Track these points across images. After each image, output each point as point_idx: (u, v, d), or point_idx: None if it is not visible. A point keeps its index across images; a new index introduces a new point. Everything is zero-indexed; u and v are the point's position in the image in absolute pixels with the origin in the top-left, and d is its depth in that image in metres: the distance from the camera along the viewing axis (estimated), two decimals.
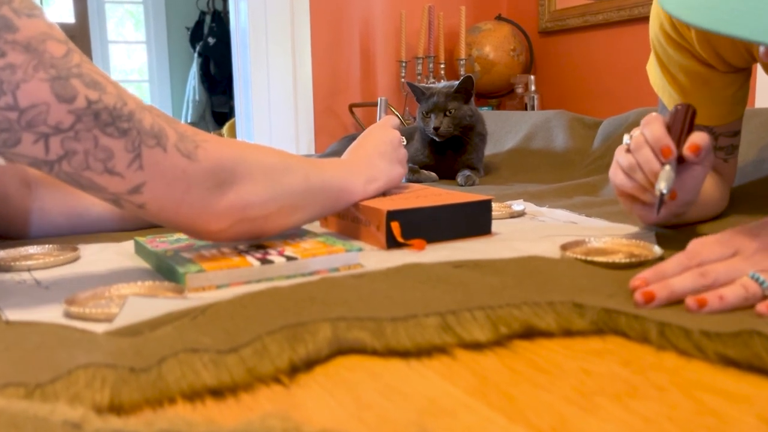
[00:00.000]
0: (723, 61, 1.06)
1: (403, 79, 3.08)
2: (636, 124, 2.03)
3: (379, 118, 1.26)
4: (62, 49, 0.68)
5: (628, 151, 0.90)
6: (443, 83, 2.10)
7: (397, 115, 2.81)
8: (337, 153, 2.06)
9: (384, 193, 1.09)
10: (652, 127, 0.88)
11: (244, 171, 0.81)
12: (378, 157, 1.10)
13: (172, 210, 0.76)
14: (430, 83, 2.75)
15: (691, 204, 0.93)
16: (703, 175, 0.91)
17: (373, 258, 0.90)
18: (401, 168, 1.13)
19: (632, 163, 0.89)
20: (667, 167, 0.84)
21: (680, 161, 0.88)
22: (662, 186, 0.83)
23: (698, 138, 0.87)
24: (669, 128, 0.88)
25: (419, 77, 3.11)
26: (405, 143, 1.19)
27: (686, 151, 0.87)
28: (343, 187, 0.99)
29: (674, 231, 1.02)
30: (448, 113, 1.96)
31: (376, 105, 3.11)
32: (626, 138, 0.92)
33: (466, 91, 1.98)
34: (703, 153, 0.87)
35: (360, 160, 1.08)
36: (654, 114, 0.91)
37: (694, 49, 1.06)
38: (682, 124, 0.89)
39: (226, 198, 0.79)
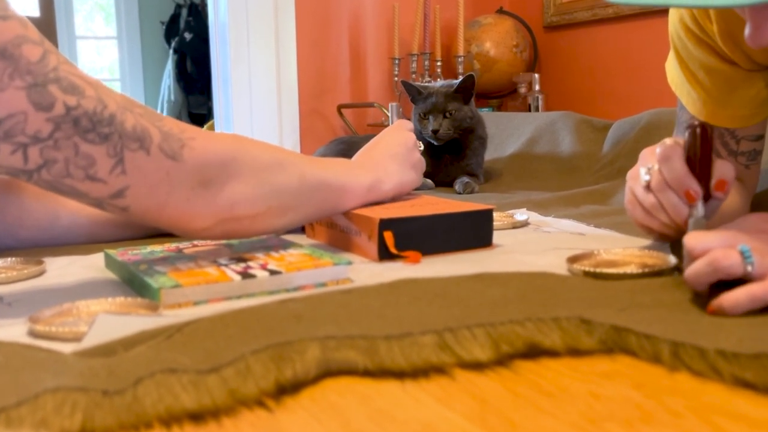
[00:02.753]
0: (747, 58, 1.06)
1: (396, 78, 3.09)
2: (649, 126, 2.04)
3: (392, 123, 1.27)
4: (38, 52, 0.70)
5: (648, 187, 0.90)
6: (441, 82, 2.11)
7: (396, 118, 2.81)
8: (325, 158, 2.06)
9: (377, 201, 1.09)
10: (673, 166, 0.86)
11: (232, 169, 0.83)
12: (389, 160, 1.11)
13: (156, 211, 0.79)
14: (426, 82, 2.76)
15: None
16: (723, 201, 0.91)
17: (364, 272, 0.91)
18: (414, 173, 1.14)
19: (655, 203, 0.89)
20: (699, 215, 0.84)
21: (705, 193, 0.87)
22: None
23: (724, 172, 0.87)
24: (688, 157, 0.87)
25: (414, 76, 3.11)
26: (421, 148, 1.20)
27: (715, 191, 0.86)
28: (345, 188, 1.00)
29: None
30: (447, 115, 1.97)
31: (366, 106, 3.11)
32: (644, 173, 0.90)
33: (466, 90, 1.99)
34: (730, 186, 0.87)
35: (368, 161, 1.09)
36: (670, 143, 0.88)
37: (716, 45, 1.06)
38: (701, 150, 0.86)
39: (211, 196, 0.82)
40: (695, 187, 0.85)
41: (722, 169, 0.87)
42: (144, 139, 0.76)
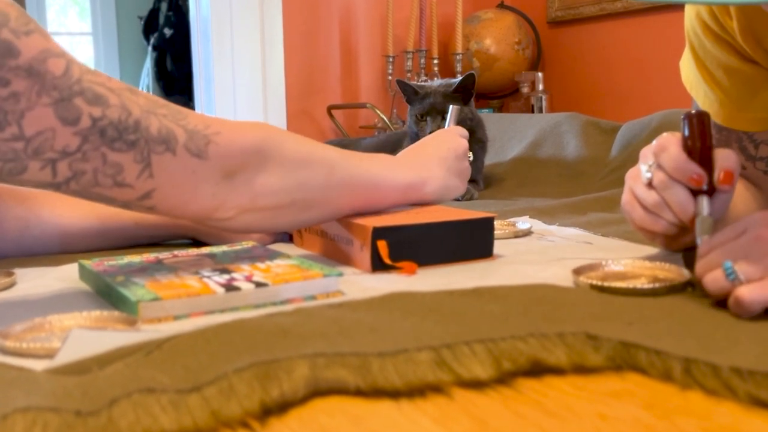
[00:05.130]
0: None
1: (390, 77, 3.09)
2: (660, 128, 2.04)
3: (448, 127, 1.29)
4: (62, 65, 0.74)
5: (650, 185, 0.90)
6: (439, 81, 2.11)
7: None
8: None
9: (416, 202, 1.10)
10: (670, 154, 0.87)
11: (257, 160, 0.88)
12: (435, 163, 1.13)
13: (182, 208, 0.85)
14: (422, 81, 2.76)
15: (719, 223, 0.94)
16: (731, 195, 0.91)
17: (356, 284, 0.91)
18: (458, 181, 1.17)
19: (657, 201, 0.88)
20: (703, 212, 0.85)
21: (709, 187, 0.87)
22: (705, 238, 0.83)
23: (727, 162, 0.86)
24: (687, 147, 0.87)
25: (409, 74, 3.12)
26: (471, 158, 1.21)
27: (719, 183, 0.86)
28: (379, 185, 1.03)
29: None
30: (446, 116, 1.97)
31: (358, 107, 3.12)
32: (644, 170, 0.90)
33: (465, 90, 1.99)
34: (736, 178, 0.87)
35: (413, 161, 1.12)
36: (666, 135, 0.90)
37: (735, 42, 1.06)
38: (700, 140, 0.87)
39: (234, 187, 0.86)
40: (698, 171, 0.85)
41: (725, 159, 0.87)
42: (170, 140, 0.80)
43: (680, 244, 0.94)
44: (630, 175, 0.94)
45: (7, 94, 0.71)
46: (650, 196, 0.90)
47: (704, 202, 0.85)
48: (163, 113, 0.81)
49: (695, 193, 0.86)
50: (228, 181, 0.86)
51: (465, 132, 1.24)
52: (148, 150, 0.79)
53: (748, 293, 0.70)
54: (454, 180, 1.16)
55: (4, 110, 0.71)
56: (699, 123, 0.87)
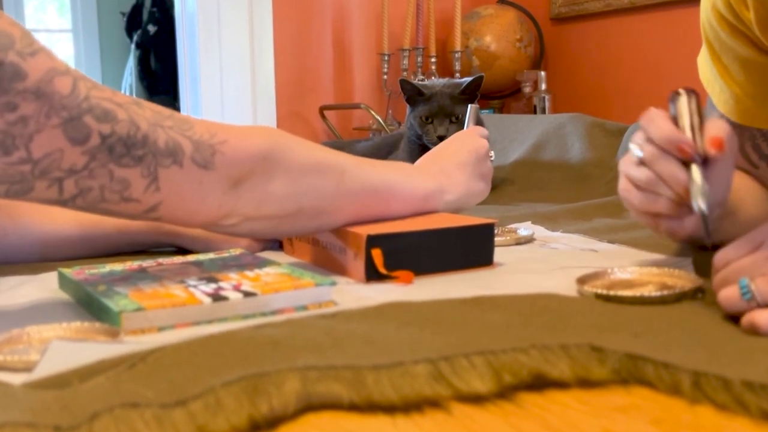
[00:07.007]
0: None
1: (385, 76, 3.09)
2: None
3: (467, 128, 1.29)
4: (69, 83, 0.75)
5: (642, 164, 0.91)
6: (444, 81, 2.12)
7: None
8: None
9: (435, 211, 1.10)
10: (658, 125, 0.89)
11: (264, 168, 0.90)
12: (455, 167, 1.14)
13: (188, 217, 0.88)
14: (419, 80, 2.77)
15: (724, 203, 0.94)
16: (730, 166, 0.92)
17: (350, 294, 0.91)
18: (483, 184, 1.18)
19: (651, 177, 0.89)
20: (697, 179, 0.85)
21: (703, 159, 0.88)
22: (702, 204, 0.84)
23: (716, 128, 0.88)
24: (676, 122, 0.89)
25: (405, 73, 3.11)
26: (493, 158, 1.21)
27: (709, 149, 0.87)
28: (394, 194, 1.04)
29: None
30: (453, 119, 1.98)
31: (352, 107, 3.11)
32: (634, 148, 0.91)
33: (472, 92, 2.00)
34: (728, 145, 0.88)
35: (432, 168, 1.13)
36: (652, 109, 0.91)
37: (752, 33, 1.05)
38: (689, 111, 0.89)
39: (240, 195, 0.88)
40: (686, 140, 0.86)
41: (714, 128, 0.88)
42: (176, 153, 0.82)
43: (685, 230, 0.93)
44: (623, 161, 0.95)
45: (15, 118, 0.72)
46: (643, 173, 0.91)
47: (695, 169, 0.86)
48: (169, 125, 0.83)
49: (688, 166, 0.87)
50: (234, 189, 0.87)
51: (485, 131, 1.24)
52: (156, 164, 0.80)
53: (765, 321, 0.69)
54: (478, 184, 1.17)
55: (12, 135, 0.72)
56: (686, 96, 0.90)
